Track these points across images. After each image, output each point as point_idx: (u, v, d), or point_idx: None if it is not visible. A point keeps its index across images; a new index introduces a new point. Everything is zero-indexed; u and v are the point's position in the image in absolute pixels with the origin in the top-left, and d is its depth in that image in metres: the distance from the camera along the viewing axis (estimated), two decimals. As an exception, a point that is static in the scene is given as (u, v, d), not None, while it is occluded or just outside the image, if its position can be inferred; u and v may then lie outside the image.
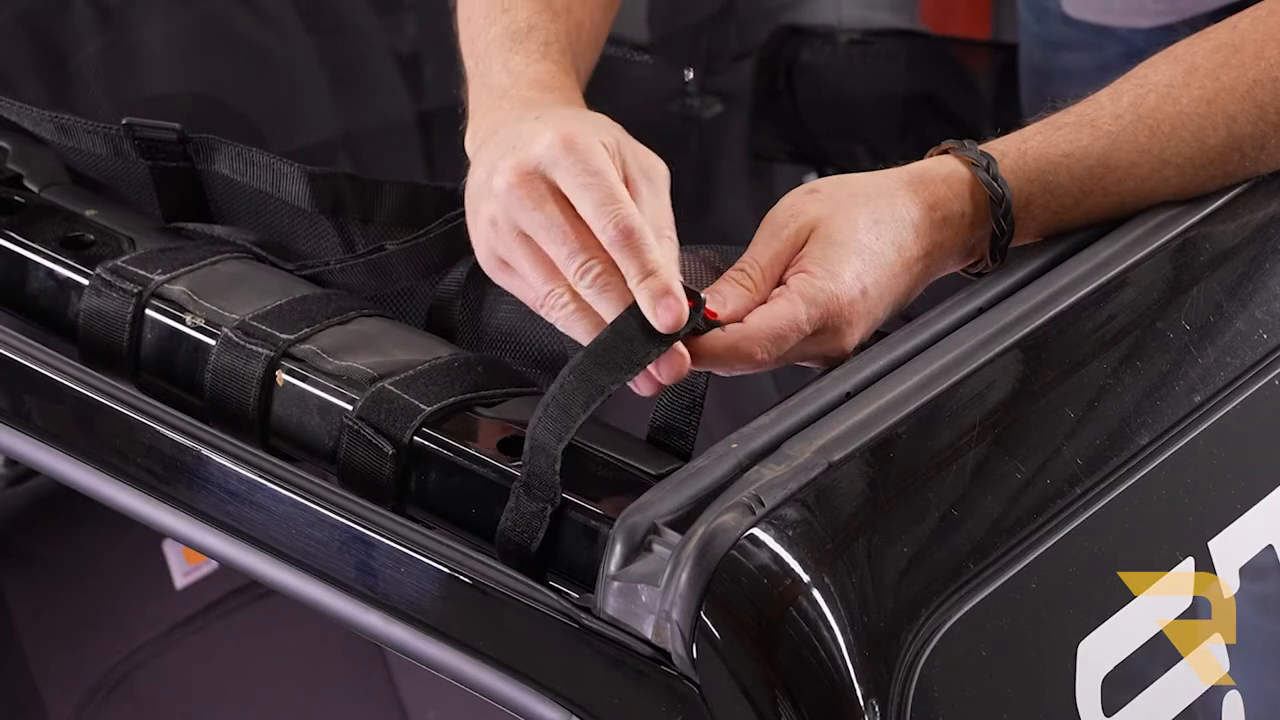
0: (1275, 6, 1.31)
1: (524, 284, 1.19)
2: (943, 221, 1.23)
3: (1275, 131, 1.29)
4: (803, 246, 1.19)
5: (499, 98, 1.29)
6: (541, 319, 1.30)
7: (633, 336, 1.14)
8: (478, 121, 1.29)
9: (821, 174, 2.38)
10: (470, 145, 1.29)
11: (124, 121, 1.39)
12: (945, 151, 1.26)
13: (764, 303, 1.18)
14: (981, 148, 1.26)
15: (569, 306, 1.17)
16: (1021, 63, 2.06)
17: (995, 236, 1.25)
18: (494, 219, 1.19)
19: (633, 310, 1.14)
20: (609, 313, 1.15)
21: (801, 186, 1.23)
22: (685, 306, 1.14)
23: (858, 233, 1.19)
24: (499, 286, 1.31)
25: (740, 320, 1.17)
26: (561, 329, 1.18)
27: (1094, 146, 1.26)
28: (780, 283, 1.19)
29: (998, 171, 1.24)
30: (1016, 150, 1.26)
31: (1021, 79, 2.06)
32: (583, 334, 1.17)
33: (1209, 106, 1.27)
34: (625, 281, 1.15)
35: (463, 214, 1.32)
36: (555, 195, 1.17)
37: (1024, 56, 2.05)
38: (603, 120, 1.23)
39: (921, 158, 1.28)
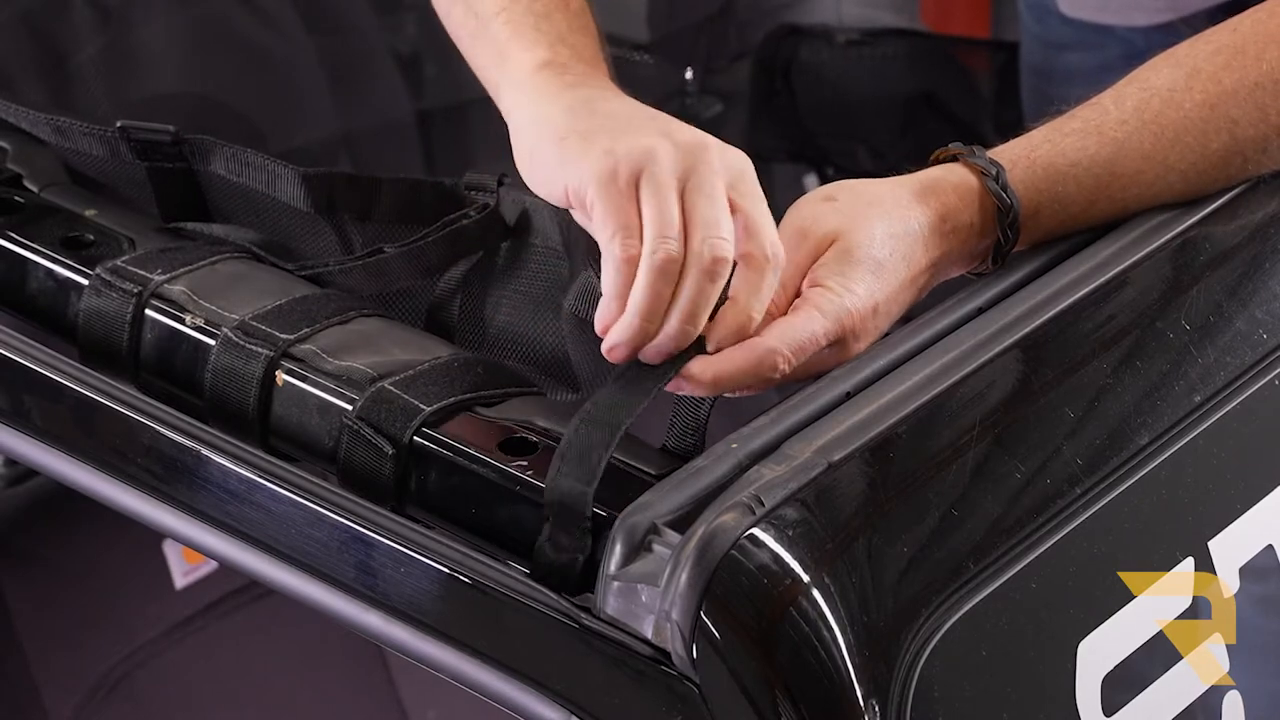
0: (1276, 8, 1.31)
1: (610, 219, 1.14)
2: (951, 232, 1.23)
3: (1277, 134, 1.29)
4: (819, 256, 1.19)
5: (560, 71, 1.25)
6: (541, 319, 1.30)
7: (642, 374, 1.14)
8: (528, 79, 1.26)
9: (821, 174, 2.38)
10: (516, 97, 1.26)
11: (118, 124, 1.38)
12: (954, 156, 1.26)
13: (781, 316, 1.17)
14: (989, 154, 1.25)
15: (632, 253, 1.13)
16: (1022, 62, 2.05)
17: (1000, 243, 1.25)
18: (631, 153, 1.15)
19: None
20: (648, 290, 1.12)
21: (817, 191, 1.22)
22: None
23: (874, 248, 1.19)
24: (499, 286, 1.31)
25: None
26: (608, 270, 1.14)
27: (1101, 154, 1.26)
28: (795, 293, 1.19)
29: (1007, 182, 1.24)
30: (1025, 159, 1.25)
31: (1022, 79, 2.06)
32: (623, 283, 1.13)
33: (1211, 111, 1.27)
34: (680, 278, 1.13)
35: (461, 215, 1.32)
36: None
37: (1024, 56, 2.05)
38: None
39: (922, 158, 1.27)
